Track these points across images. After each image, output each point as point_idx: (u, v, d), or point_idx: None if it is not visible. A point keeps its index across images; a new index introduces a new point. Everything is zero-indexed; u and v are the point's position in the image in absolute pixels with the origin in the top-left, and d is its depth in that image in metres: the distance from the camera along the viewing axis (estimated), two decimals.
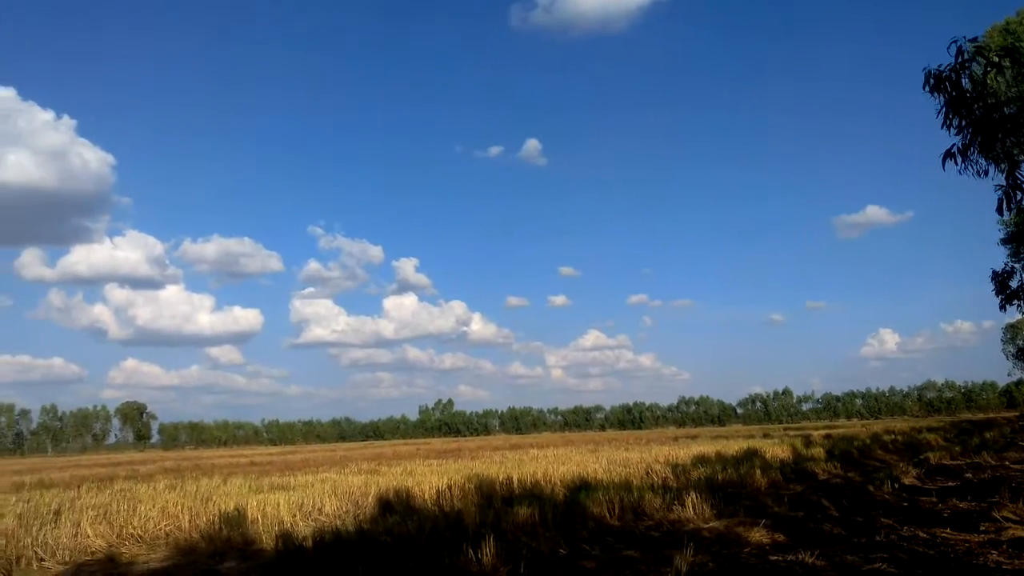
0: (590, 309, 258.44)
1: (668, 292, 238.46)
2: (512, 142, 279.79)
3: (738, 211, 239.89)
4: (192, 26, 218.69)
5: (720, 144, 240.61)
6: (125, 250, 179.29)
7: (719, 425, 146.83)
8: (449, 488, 13.61)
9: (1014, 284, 24.39)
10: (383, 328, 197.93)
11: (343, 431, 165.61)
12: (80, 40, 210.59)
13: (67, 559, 9.49)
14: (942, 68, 7.49)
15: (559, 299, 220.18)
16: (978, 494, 11.98)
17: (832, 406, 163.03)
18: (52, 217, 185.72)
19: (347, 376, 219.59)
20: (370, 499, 13.04)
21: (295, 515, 11.74)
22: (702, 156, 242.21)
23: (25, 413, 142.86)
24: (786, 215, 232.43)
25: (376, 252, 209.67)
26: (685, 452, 22.53)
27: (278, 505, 11.88)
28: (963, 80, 7.50)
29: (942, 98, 7.63)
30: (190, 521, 11.38)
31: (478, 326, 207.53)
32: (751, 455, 20.64)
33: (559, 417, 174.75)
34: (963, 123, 7.66)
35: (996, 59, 7.53)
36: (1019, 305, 24.73)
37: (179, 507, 12.04)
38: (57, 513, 11.22)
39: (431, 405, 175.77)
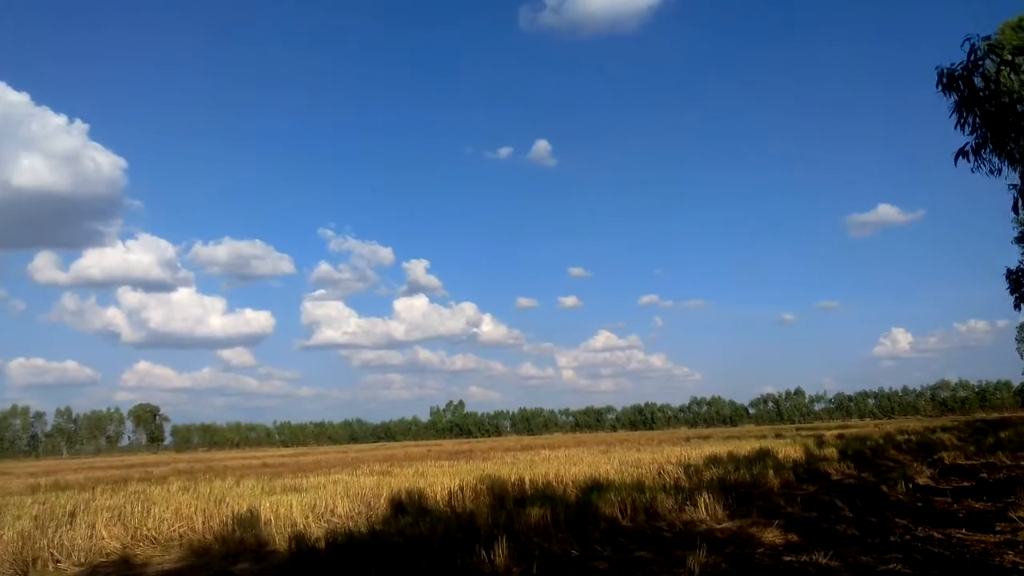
0: (601, 310, 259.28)
1: (679, 292, 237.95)
2: (522, 143, 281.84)
3: (749, 211, 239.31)
4: (201, 27, 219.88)
5: (731, 144, 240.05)
6: (137, 253, 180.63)
7: (731, 426, 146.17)
8: (461, 489, 13.64)
9: None
10: (394, 330, 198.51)
11: (355, 433, 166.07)
12: (80, 40, 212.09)
13: (82, 560, 9.59)
14: (955, 66, 7.45)
15: (569, 300, 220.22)
16: (993, 494, 11.87)
17: (844, 406, 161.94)
18: (65, 221, 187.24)
19: (358, 378, 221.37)
20: (382, 500, 13.09)
21: (308, 516, 11.77)
22: (712, 156, 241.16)
23: (40, 416, 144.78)
24: (797, 214, 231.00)
25: (386, 254, 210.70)
26: (697, 452, 22.43)
27: (291, 507, 11.93)
28: (976, 78, 7.45)
29: (955, 96, 7.59)
30: (203, 523, 11.46)
31: (489, 327, 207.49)
32: (763, 455, 20.53)
33: (570, 418, 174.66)
34: (976, 121, 7.61)
35: (1010, 57, 7.47)
36: None
37: (192, 509, 12.12)
38: (72, 515, 11.30)
39: (442, 406, 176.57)
